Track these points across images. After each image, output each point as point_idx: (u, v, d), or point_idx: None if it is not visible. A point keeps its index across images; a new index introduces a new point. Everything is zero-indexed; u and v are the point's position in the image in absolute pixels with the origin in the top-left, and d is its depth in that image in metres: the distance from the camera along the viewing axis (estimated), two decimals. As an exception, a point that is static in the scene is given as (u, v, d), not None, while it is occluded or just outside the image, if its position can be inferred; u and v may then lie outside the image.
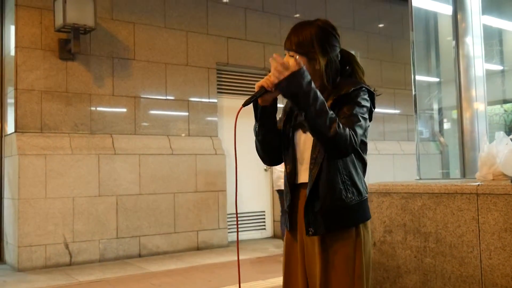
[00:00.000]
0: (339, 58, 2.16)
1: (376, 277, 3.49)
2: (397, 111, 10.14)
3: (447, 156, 5.96)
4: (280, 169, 6.68)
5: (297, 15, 8.65)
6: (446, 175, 5.72)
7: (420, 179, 4.55)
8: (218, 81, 7.84)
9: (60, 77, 6.48)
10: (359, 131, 1.96)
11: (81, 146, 6.48)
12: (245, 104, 2.01)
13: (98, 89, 6.74)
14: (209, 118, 7.65)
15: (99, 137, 6.67)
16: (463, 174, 4.21)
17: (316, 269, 2.08)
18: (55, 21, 6.34)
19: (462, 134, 4.25)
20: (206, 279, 5.39)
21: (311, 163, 2.07)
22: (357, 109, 1.99)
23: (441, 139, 6.09)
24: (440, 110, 5.67)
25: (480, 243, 2.91)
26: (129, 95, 6.98)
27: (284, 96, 1.92)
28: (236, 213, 2.25)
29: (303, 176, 2.14)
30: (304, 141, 2.12)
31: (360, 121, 1.97)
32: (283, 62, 1.88)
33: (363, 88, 2.05)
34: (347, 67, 2.19)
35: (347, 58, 2.20)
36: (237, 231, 2.14)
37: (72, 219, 6.30)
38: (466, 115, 4.29)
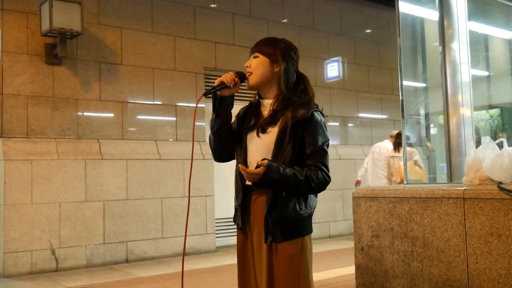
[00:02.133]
0: (295, 75, 2.41)
1: (364, 282, 3.49)
2: (384, 116, 10.19)
3: (434, 161, 5.99)
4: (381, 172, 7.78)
5: (285, 20, 8.68)
6: (433, 180, 5.75)
7: (408, 183, 4.57)
8: (206, 86, 7.82)
9: (46, 82, 6.43)
10: (327, 161, 2.25)
11: (68, 151, 6.43)
12: (205, 94, 2.32)
13: (85, 94, 6.70)
14: (197, 123, 7.64)
15: (86, 142, 6.62)
16: (450, 179, 4.24)
17: (262, 269, 2.23)
18: (42, 26, 6.30)
19: (449, 139, 4.28)
20: (194, 285, 5.36)
21: None
22: (320, 138, 2.24)
23: (428, 144, 6.13)
24: (426, 115, 5.70)
25: (467, 247, 2.93)
26: (116, 100, 6.95)
27: (265, 188, 2.21)
28: (189, 199, 2.35)
29: None
30: (257, 145, 2.30)
31: (326, 151, 2.25)
32: (251, 172, 2.14)
33: (316, 111, 2.27)
34: (301, 86, 2.42)
35: (301, 79, 2.44)
36: (185, 235, 2.21)
37: (58, 224, 6.24)
38: (453, 121, 4.32)
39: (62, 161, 6.35)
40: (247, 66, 2.40)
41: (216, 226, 7.65)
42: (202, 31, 7.77)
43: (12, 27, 6.28)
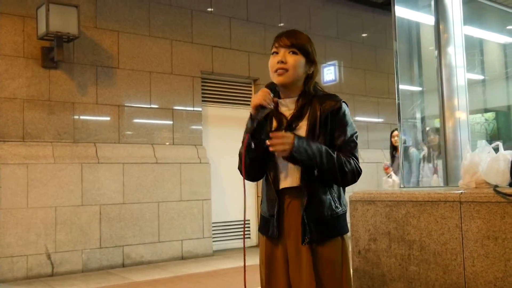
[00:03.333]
0: None
1: (361, 286, 3.49)
2: (380, 120, 10.21)
3: (430, 165, 5.99)
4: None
5: (282, 24, 8.69)
6: (429, 183, 5.76)
7: (404, 187, 4.57)
8: (202, 89, 7.83)
9: (43, 85, 6.42)
10: (357, 152, 2.16)
11: (64, 155, 6.42)
12: (251, 134, 2.12)
13: (81, 97, 6.69)
14: (193, 127, 7.63)
15: (82, 146, 6.61)
16: (446, 182, 4.25)
17: (302, 276, 2.11)
18: (38, 29, 6.29)
19: (445, 143, 4.29)
20: (190, 289, 5.35)
21: (302, 178, 2.14)
22: (349, 130, 2.16)
23: (424, 147, 6.14)
24: (423, 119, 5.72)
25: (463, 250, 2.93)
26: (113, 103, 6.94)
27: (295, 163, 2.08)
28: (245, 209, 2.24)
29: (284, 182, 2.19)
30: None
31: (356, 143, 2.17)
32: (282, 135, 2.05)
33: (343, 102, 2.19)
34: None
35: None
36: (244, 236, 2.18)
37: (54, 229, 6.23)
38: (449, 124, 4.33)
39: (58, 165, 6.34)
40: (281, 61, 2.16)
41: (213, 230, 7.64)
42: (199, 35, 7.78)
43: (9, 30, 6.27)
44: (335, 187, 2.18)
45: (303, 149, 2.02)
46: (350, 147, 2.14)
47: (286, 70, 2.15)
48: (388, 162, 7.68)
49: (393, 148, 7.65)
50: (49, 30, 6.09)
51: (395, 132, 6.76)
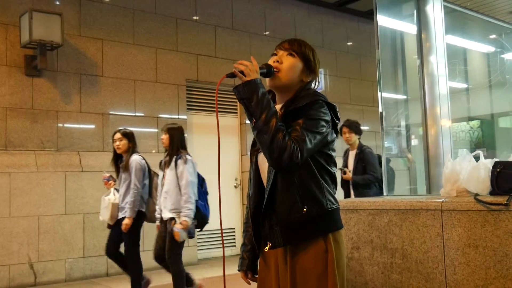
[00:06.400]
0: None
1: (344, 294, 3.49)
2: (365, 128, 10.25)
3: (415, 172, 6.04)
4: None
5: (267, 33, 8.72)
6: (414, 191, 5.79)
7: (387, 195, 4.60)
8: (187, 98, 7.82)
9: (26, 93, 6.37)
10: (306, 146, 1.87)
11: (47, 164, 6.36)
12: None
13: (65, 105, 6.65)
14: (178, 135, 7.60)
15: (66, 155, 6.56)
16: (429, 190, 4.28)
17: None
18: (21, 37, 6.25)
19: (427, 151, 4.32)
20: (174, 298, 5.31)
21: (267, 177, 2.00)
22: (308, 123, 1.91)
23: (409, 155, 6.19)
24: (407, 126, 5.76)
25: (445, 258, 2.95)
26: (97, 111, 6.90)
27: (240, 96, 1.90)
28: (220, 213, 2.11)
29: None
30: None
31: (307, 136, 1.88)
32: (252, 65, 1.91)
33: (319, 101, 1.96)
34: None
35: None
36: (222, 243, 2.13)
37: (37, 238, 6.16)
38: (431, 132, 4.37)
39: (41, 173, 6.28)
40: (277, 61, 2.06)
41: (198, 239, 7.61)
42: (184, 43, 7.77)
43: (-9, 38, 6.22)
44: (303, 187, 1.93)
45: (255, 91, 1.86)
46: (297, 136, 1.86)
47: (279, 70, 2.03)
48: (108, 175, 5.42)
49: (117, 157, 5.36)
50: (32, 38, 6.05)
51: (116, 135, 5.15)
